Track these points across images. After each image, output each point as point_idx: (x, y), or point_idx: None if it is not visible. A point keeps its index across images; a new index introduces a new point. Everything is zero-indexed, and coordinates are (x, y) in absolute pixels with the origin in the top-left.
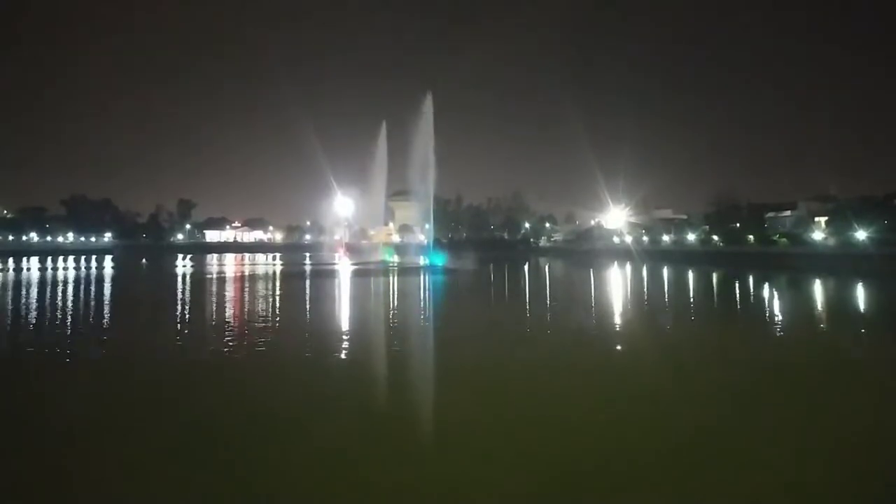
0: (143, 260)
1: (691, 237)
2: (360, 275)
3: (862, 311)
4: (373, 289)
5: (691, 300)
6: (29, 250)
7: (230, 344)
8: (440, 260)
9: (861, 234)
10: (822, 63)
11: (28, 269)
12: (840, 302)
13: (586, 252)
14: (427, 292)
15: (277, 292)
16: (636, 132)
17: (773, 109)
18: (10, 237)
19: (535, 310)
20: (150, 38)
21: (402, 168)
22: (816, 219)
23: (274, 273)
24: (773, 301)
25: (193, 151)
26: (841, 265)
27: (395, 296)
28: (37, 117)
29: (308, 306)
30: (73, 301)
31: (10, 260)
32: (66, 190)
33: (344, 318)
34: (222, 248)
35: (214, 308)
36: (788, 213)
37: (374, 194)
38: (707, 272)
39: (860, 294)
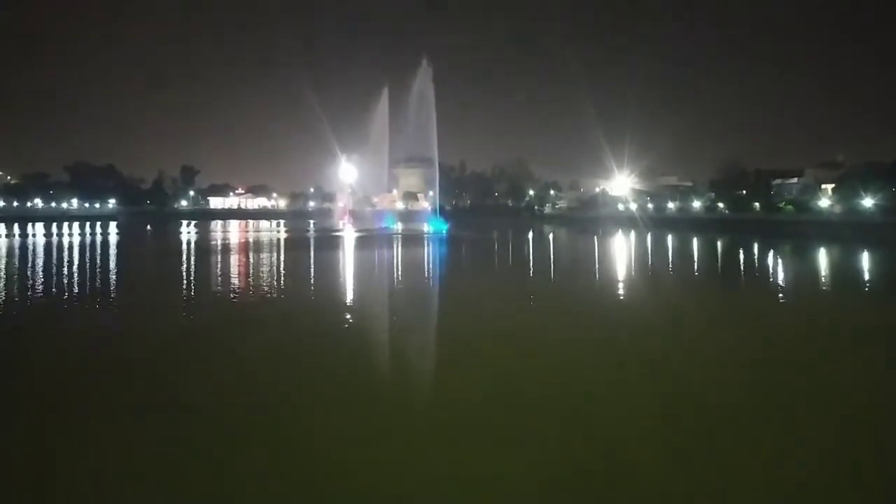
0: (148, 226)
1: (697, 204)
2: (365, 242)
3: (867, 278)
4: (377, 256)
5: (696, 269)
6: (34, 216)
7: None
8: (444, 227)
9: (868, 202)
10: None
11: (34, 236)
12: (844, 270)
13: (591, 219)
14: (431, 259)
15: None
16: (642, 98)
17: (780, 75)
18: (15, 203)
19: (539, 280)
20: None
21: (406, 135)
22: (823, 186)
23: (279, 240)
24: (779, 269)
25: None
26: (847, 233)
27: (400, 262)
28: (38, 82)
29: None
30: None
31: (16, 226)
32: (69, 156)
33: (349, 284)
34: (226, 214)
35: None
36: (795, 180)
37: (378, 161)
38: (712, 240)
39: (865, 262)
